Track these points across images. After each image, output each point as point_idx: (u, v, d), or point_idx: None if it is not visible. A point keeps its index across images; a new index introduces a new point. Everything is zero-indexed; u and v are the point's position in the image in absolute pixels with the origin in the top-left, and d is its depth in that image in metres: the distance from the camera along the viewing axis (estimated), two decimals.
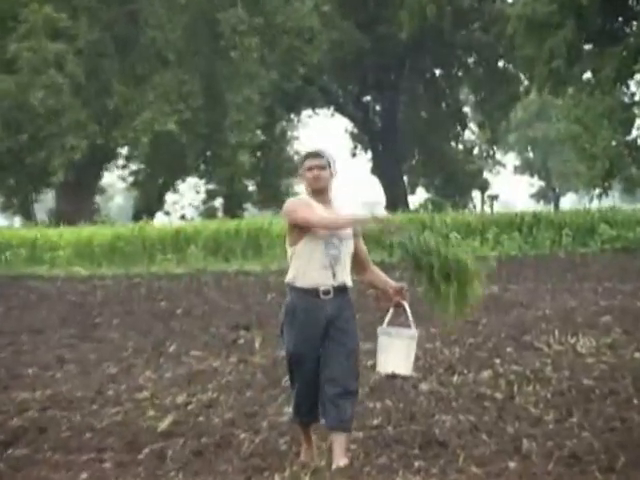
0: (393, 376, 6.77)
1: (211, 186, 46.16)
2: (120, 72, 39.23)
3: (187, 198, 48.23)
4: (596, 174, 33.49)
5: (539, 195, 77.88)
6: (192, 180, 47.24)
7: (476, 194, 54.19)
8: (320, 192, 6.18)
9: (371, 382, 9.04)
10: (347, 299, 6.22)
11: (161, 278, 23.76)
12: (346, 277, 6.18)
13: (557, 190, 76.27)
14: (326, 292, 6.06)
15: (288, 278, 6.23)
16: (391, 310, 6.41)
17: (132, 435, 7.57)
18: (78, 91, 38.36)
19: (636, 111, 34.47)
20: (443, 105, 49.98)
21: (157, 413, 8.33)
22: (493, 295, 16.78)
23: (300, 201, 6.22)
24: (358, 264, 6.37)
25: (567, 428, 7.29)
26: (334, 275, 6.08)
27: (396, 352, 6.22)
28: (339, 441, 6.20)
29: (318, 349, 6.10)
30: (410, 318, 6.28)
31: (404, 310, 6.31)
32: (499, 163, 67.84)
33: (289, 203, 6.23)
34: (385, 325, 6.33)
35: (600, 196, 35.21)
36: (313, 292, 6.06)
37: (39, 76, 37.06)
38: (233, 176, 40.50)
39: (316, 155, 6.18)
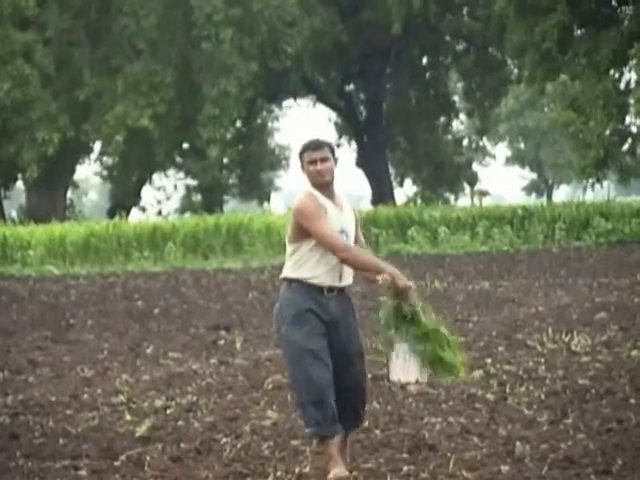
0: (407, 384, 6.85)
1: (190, 181, 45.32)
2: (91, 62, 38.00)
3: (164, 193, 47.44)
4: (589, 162, 32.73)
5: (531, 187, 76.97)
6: (170, 174, 46.32)
7: (466, 187, 53.32)
8: (325, 186, 5.84)
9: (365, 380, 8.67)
10: (348, 297, 6.07)
11: (137, 277, 23.73)
12: (350, 277, 6.00)
13: (550, 182, 75.16)
14: (330, 290, 5.88)
15: (291, 274, 5.91)
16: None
17: (108, 441, 7.40)
18: (47, 82, 37.14)
19: (631, 99, 33.56)
20: (430, 94, 48.93)
21: (134, 418, 8.17)
22: (484, 291, 17.06)
23: (316, 207, 5.77)
24: None
25: (562, 430, 7.16)
26: (341, 275, 5.90)
27: (404, 362, 5.99)
28: (348, 447, 6.21)
29: (327, 343, 5.92)
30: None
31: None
32: (489, 154, 66.87)
33: (304, 206, 5.79)
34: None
35: (593, 185, 34.65)
36: (319, 290, 5.85)
37: (5, 67, 35.81)
38: (211, 169, 39.40)
39: (317, 146, 5.82)
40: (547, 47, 32.12)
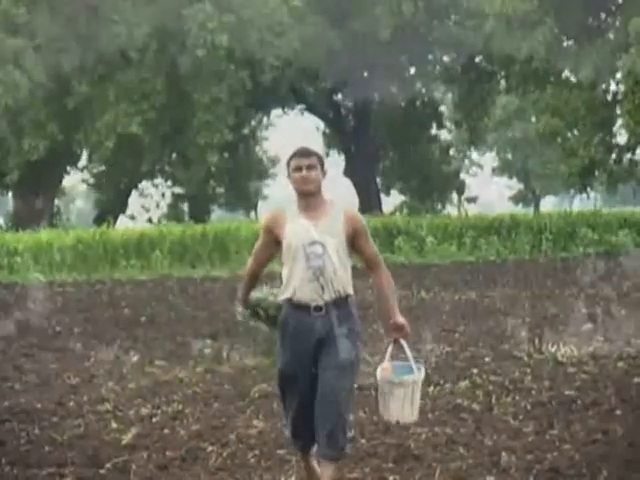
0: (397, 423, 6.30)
1: (177, 189, 45.15)
2: (81, 70, 37.85)
3: (152, 201, 47.21)
4: (575, 171, 32.80)
5: (518, 197, 76.81)
6: (157, 182, 46.13)
7: (453, 196, 53.30)
8: (309, 194, 5.58)
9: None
10: (344, 313, 5.55)
11: (124, 285, 23.62)
12: (338, 289, 5.51)
13: (537, 192, 75.11)
14: (317, 308, 5.50)
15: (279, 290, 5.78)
16: (390, 345, 5.76)
17: (94, 449, 7.35)
18: (37, 89, 37.02)
19: (617, 110, 33.72)
20: (418, 104, 48.78)
21: (120, 425, 8.13)
22: (470, 302, 17.02)
23: (262, 226, 5.80)
24: (366, 267, 5.76)
25: (547, 440, 7.16)
26: (322, 288, 5.48)
27: (400, 400, 5.62)
28: (327, 473, 5.62)
29: (311, 368, 5.58)
30: (410, 358, 5.65)
31: (402, 348, 5.64)
32: (477, 164, 66.88)
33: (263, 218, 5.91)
34: (386, 362, 5.69)
35: (580, 192, 34.77)
36: (304, 308, 5.53)
37: None
38: (199, 178, 39.25)
39: (304, 153, 5.62)
40: (535, 58, 32.18)
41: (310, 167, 5.57)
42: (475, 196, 60.25)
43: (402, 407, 5.64)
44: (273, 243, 5.72)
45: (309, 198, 5.59)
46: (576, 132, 33.19)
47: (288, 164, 5.68)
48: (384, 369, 5.70)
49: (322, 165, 5.68)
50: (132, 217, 46.28)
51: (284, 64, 39.37)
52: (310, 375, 5.59)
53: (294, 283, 5.55)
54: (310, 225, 5.54)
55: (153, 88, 37.72)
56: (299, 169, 5.57)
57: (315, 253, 5.47)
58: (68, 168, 44.78)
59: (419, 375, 5.69)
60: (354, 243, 5.62)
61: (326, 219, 5.57)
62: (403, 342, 5.62)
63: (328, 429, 5.53)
